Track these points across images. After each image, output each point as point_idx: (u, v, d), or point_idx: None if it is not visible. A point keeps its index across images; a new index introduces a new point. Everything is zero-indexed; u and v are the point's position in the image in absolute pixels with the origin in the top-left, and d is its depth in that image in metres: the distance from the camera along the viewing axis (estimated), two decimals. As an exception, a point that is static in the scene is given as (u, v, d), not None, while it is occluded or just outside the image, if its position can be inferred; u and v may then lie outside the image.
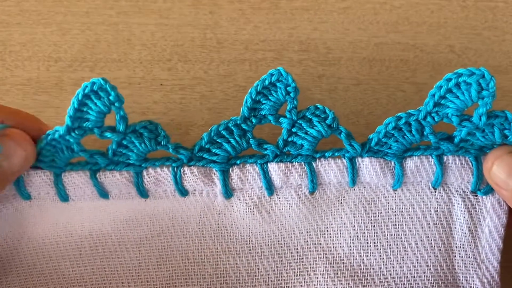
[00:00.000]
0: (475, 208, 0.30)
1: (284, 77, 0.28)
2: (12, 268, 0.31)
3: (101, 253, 0.31)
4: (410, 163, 0.30)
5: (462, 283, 0.31)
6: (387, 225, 0.31)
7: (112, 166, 0.30)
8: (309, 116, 0.29)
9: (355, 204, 0.31)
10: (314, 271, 0.31)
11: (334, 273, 0.31)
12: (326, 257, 0.31)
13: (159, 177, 0.30)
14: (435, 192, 0.31)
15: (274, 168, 0.30)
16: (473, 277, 0.30)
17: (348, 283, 0.31)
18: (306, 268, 0.31)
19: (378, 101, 0.39)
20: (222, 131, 0.29)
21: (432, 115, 0.29)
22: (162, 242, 0.31)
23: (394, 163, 0.30)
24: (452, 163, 0.30)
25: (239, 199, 0.31)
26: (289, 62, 0.40)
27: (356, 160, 0.30)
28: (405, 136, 0.29)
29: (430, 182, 0.31)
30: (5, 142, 0.27)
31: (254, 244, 0.31)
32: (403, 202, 0.31)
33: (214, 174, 0.30)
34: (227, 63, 0.40)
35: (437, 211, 0.31)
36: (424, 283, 0.30)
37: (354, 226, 0.31)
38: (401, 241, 0.31)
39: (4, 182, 0.28)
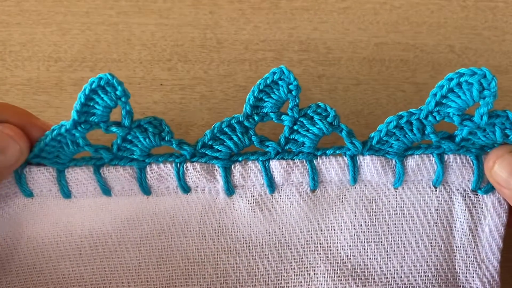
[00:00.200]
0: (475, 206, 0.31)
1: (286, 75, 0.29)
2: (12, 268, 0.31)
3: (101, 253, 0.31)
4: (411, 162, 0.30)
5: (463, 282, 0.30)
6: (388, 224, 0.31)
7: (116, 161, 0.30)
8: (310, 114, 0.30)
9: (356, 203, 0.31)
10: (314, 270, 0.31)
11: (334, 273, 0.31)
12: (327, 257, 0.31)
13: (162, 173, 0.30)
14: (436, 190, 0.31)
15: (275, 165, 0.30)
16: (473, 276, 0.30)
17: (349, 283, 0.31)
18: (307, 267, 0.31)
19: (378, 101, 0.39)
20: (224, 128, 0.30)
21: (433, 114, 0.29)
22: (163, 242, 0.31)
23: (395, 161, 0.30)
24: (453, 162, 0.30)
25: (241, 196, 0.31)
26: (289, 62, 0.40)
27: (357, 158, 0.30)
28: (406, 135, 0.29)
29: (431, 180, 0.31)
30: None
31: (254, 244, 0.31)
32: (403, 201, 0.31)
33: (217, 170, 0.30)
34: (227, 63, 0.40)
35: (437, 209, 0.31)
36: (425, 283, 0.30)
37: (354, 225, 0.31)
38: (401, 240, 0.31)
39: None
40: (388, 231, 0.31)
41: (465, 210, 0.30)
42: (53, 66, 0.40)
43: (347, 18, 0.41)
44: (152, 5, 0.41)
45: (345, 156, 0.30)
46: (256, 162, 0.30)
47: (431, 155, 0.30)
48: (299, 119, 0.30)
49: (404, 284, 0.30)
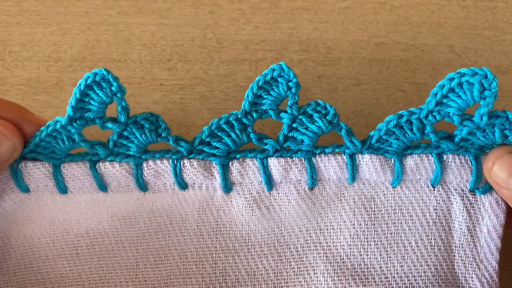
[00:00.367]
0: (473, 207, 0.31)
1: (286, 72, 0.29)
2: (9, 267, 0.31)
3: (98, 252, 0.31)
4: (410, 161, 0.30)
5: (462, 283, 0.30)
6: (387, 223, 0.31)
7: (112, 157, 0.30)
8: (310, 112, 0.29)
9: (354, 202, 0.31)
10: (314, 270, 0.31)
11: (334, 272, 0.31)
12: (326, 256, 0.31)
13: (158, 169, 0.30)
14: (434, 190, 0.31)
15: (274, 163, 0.30)
16: (472, 277, 0.30)
17: (349, 283, 0.30)
18: (306, 267, 0.31)
19: (378, 101, 0.39)
20: (223, 125, 0.30)
21: (433, 113, 0.29)
22: (160, 241, 0.31)
23: (394, 160, 0.30)
24: (451, 161, 0.30)
25: (238, 194, 0.31)
26: (289, 62, 0.40)
27: (356, 156, 0.30)
28: (406, 134, 0.29)
29: (429, 180, 0.31)
30: None
31: (253, 243, 0.31)
32: (402, 200, 0.31)
33: (214, 167, 0.30)
34: (227, 63, 0.40)
35: (436, 209, 0.31)
36: (425, 283, 0.30)
37: (354, 224, 0.31)
38: (401, 239, 0.31)
39: None
40: (388, 230, 0.31)
41: (463, 210, 0.30)
42: (53, 66, 0.40)
43: (347, 18, 0.41)
44: (152, 5, 0.41)
45: (344, 154, 0.30)
46: (254, 159, 0.30)
47: (430, 155, 0.30)
48: (298, 116, 0.29)
49: (404, 284, 0.30)
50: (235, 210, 0.31)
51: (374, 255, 0.31)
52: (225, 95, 0.39)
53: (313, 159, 0.30)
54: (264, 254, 0.31)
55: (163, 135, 0.30)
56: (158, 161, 0.30)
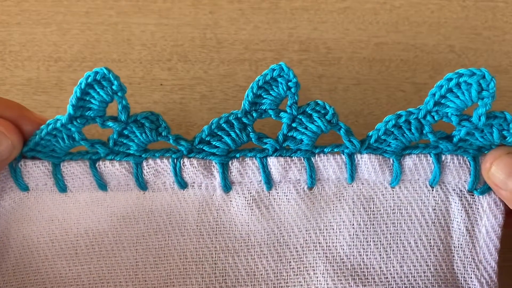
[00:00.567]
0: (472, 207, 0.31)
1: (286, 72, 0.29)
2: (9, 267, 0.31)
3: (97, 252, 0.31)
4: (409, 161, 0.30)
5: (461, 283, 0.30)
6: (386, 224, 0.31)
7: (112, 156, 0.30)
8: (309, 112, 0.29)
9: (353, 201, 0.31)
10: (314, 270, 0.31)
11: (334, 273, 0.31)
12: (326, 256, 0.31)
13: (158, 168, 0.30)
14: (432, 190, 0.31)
15: (273, 162, 0.30)
16: (471, 277, 0.30)
17: (349, 283, 0.30)
18: (306, 267, 0.31)
19: (378, 101, 0.39)
20: (222, 124, 0.30)
21: (432, 114, 0.29)
22: (159, 241, 0.31)
23: (393, 160, 0.30)
24: (450, 162, 0.30)
25: (238, 193, 0.31)
26: (289, 62, 0.40)
27: (355, 156, 0.30)
28: (404, 134, 0.29)
29: (428, 180, 0.31)
30: None
31: (253, 243, 0.31)
32: (401, 200, 0.31)
33: (214, 166, 0.30)
34: (227, 63, 0.40)
35: (435, 209, 0.31)
36: (424, 283, 0.30)
37: (353, 225, 0.31)
38: (400, 240, 0.31)
39: None
40: (387, 230, 0.31)
41: (462, 210, 0.31)
42: (53, 66, 0.40)
43: (347, 18, 0.41)
44: (152, 5, 0.41)
45: (343, 154, 0.30)
46: (254, 158, 0.30)
47: (428, 155, 0.30)
48: (298, 116, 0.30)
49: (404, 284, 0.30)
50: (234, 210, 0.31)
51: (374, 255, 0.31)
52: (225, 95, 0.39)
53: (312, 158, 0.30)
54: (264, 254, 0.31)
55: (163, 134, 0.30)
56: (158, 160, 0.30)
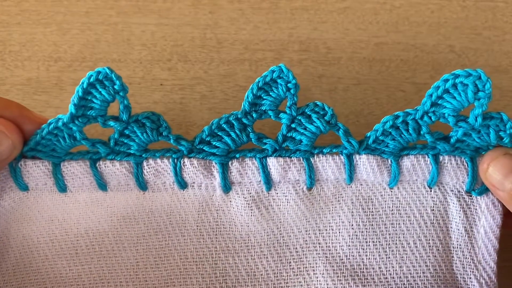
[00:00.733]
0: (470, 208, 0.31)
1: (285, 73, 0.29)
2: (9, 267, 0.31)
3: (98, 252, 0.31)
4: (407, 162, 0.30)
5: (460, 283, 0.31)
6: (385, 224, 0.31)
7: (112, 156, 0.30)
8: (308, 113, 0.30)
9: (352, 202, 0.31)
10: (314, 270, 0.31)
11: (334, 273, 0.31)
12: (326, 257, 0.31)
13: (159, 168, 0.30)
14: (431, 191, 0.31)
15: (273, 163, 0.30)
16: (470, 277, 0.30)
17: (348, 283, 0.30)
18: (306, 267, 0.31)
19: (378, 101, 0.39)
20: (223, 125, 0.30)
21: (429, 114, 0.29)
22: (160, 241, 0.31)
23: (391, 161, 0.30)
24: (447, 163, 0.30)
25: (237, 194, 0.31)
26: (289, 62, 0.40)
27: (354, 157, 0.30)
28: (402, 135, 0.30)
29: (426, 181, 0.31)
30: None
31: (253, 243, 0.31)
32: (399, 201, 0.31)
33: (214, 166, 0.30)
34: (227, 63, 0.40)
35: (433, 210, 0.31)
36: (424, 283, 0.30)
37: (352, 225, 0.31)
38: (399, 240, 0.31)
39: None
40: (386, 231, 0.31)
41: (460, 211, 0.31)
42: (53, 66, 0.40)
43: (347, 18, 0.41)
44: (152, 5, 0.41)
45: (342, 154, 0.30)
46: (254, 159, 0.30)
47: (426, 156, 0.30)
48: (297, 117, 0.30)
49: (404, 284, 0.30)
50: (234, 211, 0.31)
51: (373, 255, 0.31)
52: (225, 95, 0.39)
53: (311, 159, 0.30)
54: (264, 254, 0.31)
55: (164, 134, 0.30)
56: (158, 160, 0.30)
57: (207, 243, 0.31)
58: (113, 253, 0.31)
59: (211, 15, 0.41)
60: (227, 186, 0.31)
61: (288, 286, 0.31)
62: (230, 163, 0.30)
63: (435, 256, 0.31)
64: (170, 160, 0.30)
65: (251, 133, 0.30)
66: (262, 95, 0.29)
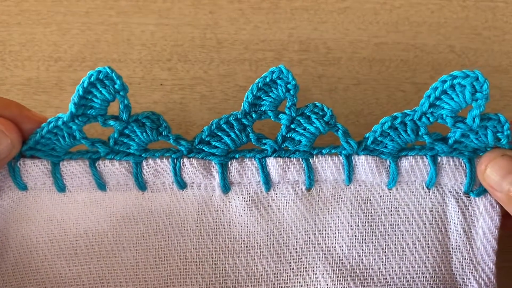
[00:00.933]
0: (468, 209, 0.31)
1: (285, 74, 0.29)
2: (8, 267, 0.31)
3: (97, 252, 0.31)
4: (405, 163, 0.30)
5: (460, 284, 0.31)
6: (384, 225, 0.31)
7: (112, 155, 0.30)
8: (307, 113, 0.30)
9: (351, 203, 0.31)
10: (313, 271, 0.31)
11: (333, 273, 0.31)
12: (325, 257, 0.31)
13: (158, 168, 0.30)
14: (429, 192, 0.31)
15: (272, 163, 0.30)
16: (469, 278, 0.31)
17: (348, 283, 0.30)
18: (306, 268, 0.31)
19: (378, 101, 0.39)
20: (222, 125, 0.30)
21: (427, 115, 0.29)
22: (159, 241, 0.31)
23: (390, 162, 0.30)
24: (446, 164, 0.30)
25: (237, 194, 0.31)
26: (289, 62, 0.40)
27: (352, 157, 0.30)
28: (400, 136, 0.30)
29: (424, 182, 0.31)
30: None
31: (252, 244, 0.31)
32: (398, 201, 0.31)
33: (213, 167, 0.31)
34: (227, 63, 0.40)
35: (432, 211, 0.31)
36: (423, 284, 0.30)
37: (351, 226, 0.31)
38: (398, 241, 0.31)
39: None
40: (385, 231, 0.31)
41: (459, 212, 0.31)
42: (53, 66, 0.40)
43: (347, 18, 0.41)
44: (152, 5, 0.41)
45: (341, 155, 0.30)
46: (253, 159, 0.30)
47: (424, 157, 0.30)
48: (296, 118, 0.30)
49: (403, 285, 0.30)
50: (233, 211, 0.31)
51: (373, 256, 0.31)
52: (225, 95, 0.39)
53: (310, 159, 0.30)
54: (264, 255, 0.31)
55: (164, 133, 0.30)
56: (158, 160, 0.30)
57: (206, 243, 0.31)
58: (113, 253, 0.31)
59: (211, 15, 0.41)
60: (226, 186, 0.31)
61: (288, 287, 0.31)
62: (229, 163, 0.31)
63: (434, 257, 0.31)
64: (170, 160, 0.30)
65: (250, 134, 0.30)
66: (261, 96, 0.30)
